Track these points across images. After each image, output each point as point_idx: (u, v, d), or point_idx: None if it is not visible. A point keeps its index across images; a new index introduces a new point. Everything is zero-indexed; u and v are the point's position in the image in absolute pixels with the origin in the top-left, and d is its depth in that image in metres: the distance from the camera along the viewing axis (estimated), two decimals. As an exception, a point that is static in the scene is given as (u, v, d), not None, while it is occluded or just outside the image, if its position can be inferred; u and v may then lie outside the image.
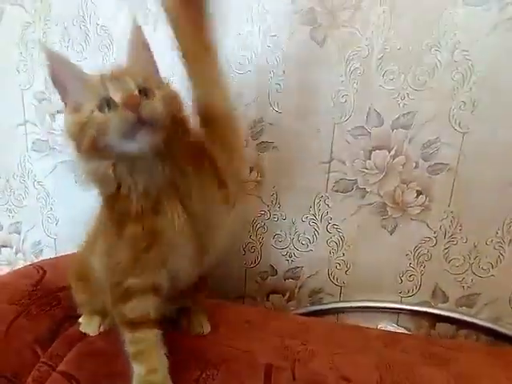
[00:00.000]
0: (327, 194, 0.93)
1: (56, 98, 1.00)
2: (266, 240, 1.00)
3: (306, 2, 0.83)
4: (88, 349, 0.70)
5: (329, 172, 0.91)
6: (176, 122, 0.54)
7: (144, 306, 0.59)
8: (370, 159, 0.89)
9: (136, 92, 0.52)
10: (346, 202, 0.93)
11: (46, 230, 1.16)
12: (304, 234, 0.97)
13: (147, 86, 0.53)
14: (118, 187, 0.55)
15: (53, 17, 0.97)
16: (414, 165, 0.87)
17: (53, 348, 0.70)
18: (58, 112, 1.04)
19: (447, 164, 0.86)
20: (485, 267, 0.91)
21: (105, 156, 0.52)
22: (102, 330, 0.73)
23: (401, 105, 0.84)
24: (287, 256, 1.00)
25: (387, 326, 0.97)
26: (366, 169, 0.89)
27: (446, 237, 0.90)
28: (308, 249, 0.98)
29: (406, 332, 0.96)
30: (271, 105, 0.89)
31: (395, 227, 0.92)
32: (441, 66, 0.80)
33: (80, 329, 0.74)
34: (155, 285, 0.60)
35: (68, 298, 0.76)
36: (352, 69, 0.84)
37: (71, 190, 1.08)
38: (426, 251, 0.92)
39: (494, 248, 0.89)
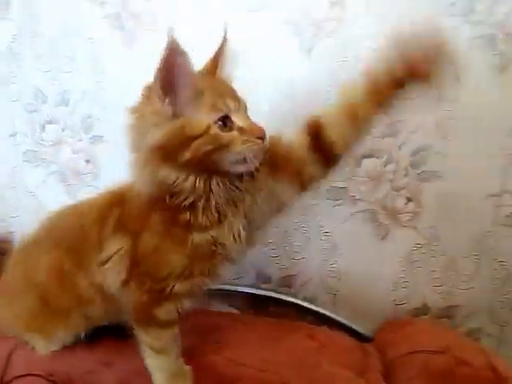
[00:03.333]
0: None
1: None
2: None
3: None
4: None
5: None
6: None
7: (178, 307, 0.61)
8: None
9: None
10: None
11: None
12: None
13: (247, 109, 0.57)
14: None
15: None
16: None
17: None
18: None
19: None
20: (296, 250, 1.00)
21: (202, 169, 0.52)
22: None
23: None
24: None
25: (221, 308, 1.07)
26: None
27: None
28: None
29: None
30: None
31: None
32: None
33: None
34: (196, 290, 0.61)
35: None
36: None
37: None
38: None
39: (302, 232, 0.99)
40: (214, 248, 0.57)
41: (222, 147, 0.50)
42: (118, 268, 0.59)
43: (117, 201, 0.60)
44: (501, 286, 0.92)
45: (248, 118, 0.55)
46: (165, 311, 0.60)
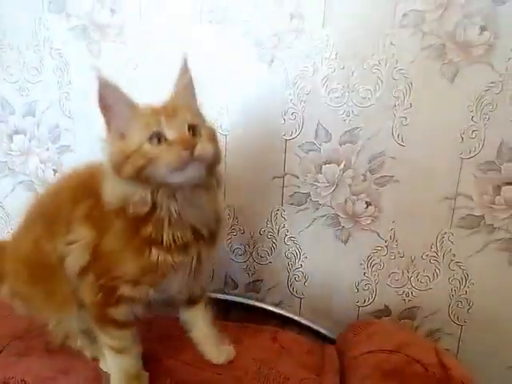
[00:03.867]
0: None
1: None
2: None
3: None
4: None
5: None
6: (215, 155, 0.60)
7: (132, 311, 0.64)
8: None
9: (188, 132, 0.57)
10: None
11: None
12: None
13: (195, 123, 0.59)
14: (151, 211, 0.58)
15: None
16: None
17: None
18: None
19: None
20: (262, 255, 1.03)
21: (146, 183, 0.56)
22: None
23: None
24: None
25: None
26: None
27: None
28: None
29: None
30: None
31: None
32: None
33: None
34: (144, 298, 0.64)
35: None
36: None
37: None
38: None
39: (267, 237, 1.01)
40: (169, 270, 0.61)
41: (151, 162, 0.54)
42: (80, 254, 0.62)
43: (90, 190, 0.63)
44: (459, 286, 0.95)
45: (182, 130, 0.57)
46: (119, 312, 0.63)
